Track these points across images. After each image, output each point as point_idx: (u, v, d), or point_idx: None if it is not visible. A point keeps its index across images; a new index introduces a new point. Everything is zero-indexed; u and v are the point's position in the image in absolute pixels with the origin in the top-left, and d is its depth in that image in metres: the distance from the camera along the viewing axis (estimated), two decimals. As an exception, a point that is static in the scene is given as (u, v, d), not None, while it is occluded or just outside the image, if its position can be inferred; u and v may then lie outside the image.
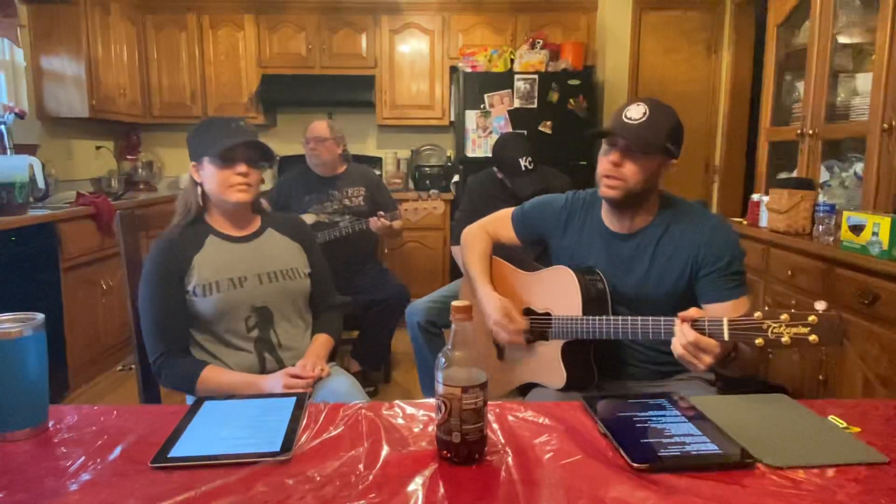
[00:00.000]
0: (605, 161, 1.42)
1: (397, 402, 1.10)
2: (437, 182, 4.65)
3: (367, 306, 2.91)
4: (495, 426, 1.00)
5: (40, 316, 0.98)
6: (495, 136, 4.14)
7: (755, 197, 2.90)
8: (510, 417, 1.04)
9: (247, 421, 1.02)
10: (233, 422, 1.02)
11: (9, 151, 3.23)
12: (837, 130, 2.65)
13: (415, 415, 1.05)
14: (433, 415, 0.94)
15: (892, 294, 1.90)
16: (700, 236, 1.43)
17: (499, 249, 1.73)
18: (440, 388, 0.88)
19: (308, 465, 0.87)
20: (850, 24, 2.61)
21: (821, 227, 2.35)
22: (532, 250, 1.75)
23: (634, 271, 1.48)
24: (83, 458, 0.90)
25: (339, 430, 0.99)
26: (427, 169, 4.75)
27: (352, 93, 4.58)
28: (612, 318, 1.40)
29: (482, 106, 4.23)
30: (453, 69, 4.57)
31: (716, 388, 1.52)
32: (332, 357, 1.69)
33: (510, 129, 4.20)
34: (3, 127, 3.21)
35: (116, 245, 1.72)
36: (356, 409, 1.06)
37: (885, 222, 1.96)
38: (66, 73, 3.77)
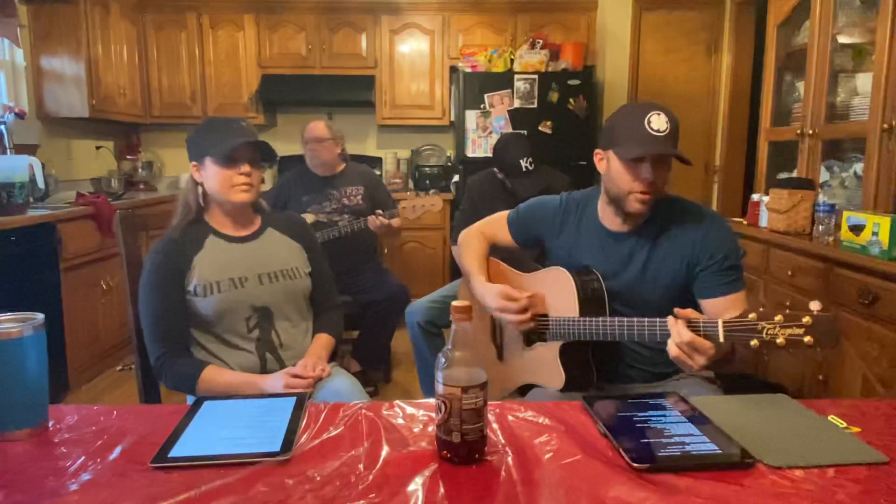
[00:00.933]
0: (637, 180, 1.37)
1: (397, 402, 1.10)
2: (437, 182, 4.65)
3: (367, 306, 2.91)
4: (495, 426, 1.00)
5: (40, 316, 0.98)
6: (495, 137, 4.14)
7: (755, 197, 2.90)
8: (510, 417, 1.04)
9: (247, 421, 1.02)
10: (233, 422, 1.02)
11: (9, 151, 3.23)
12: (837, 130, 2.65)
13: (415, 415, 1.05)
14: (433, 415, 0.94)
15: (892, 294, 1.90)
16: (696, 232, 1.44)
17: (497, 251, 1.73)
18: (440, 388, 0.88)
19: (308, 465, 0.87)
20: (850, 24, 2.61)
21: (821, 227, 2.35)
22: (531, 250, 1.75)
23: (631, 269, 1.48)
24: (83, 458, 0.90)
25: (339, 430, 0.99)
26: (427, 169, 4.75)
27: (352, 93, 4.58)
28: (608, 319, 1.40)
29: (482, 106, 4.23)
30: (453, 69, 4.57)
31: (716, 386, 1.52)
32: (333, 357, 1.69)
33: (510, 130, 4.20)
34: (3, 127, 3.21)
35: (116, 245, 1.72)
36: (356, 409, 1.06)
37: (885, 222, 1.96)
38: (66, 73, 3.77)
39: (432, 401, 0.92)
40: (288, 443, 0.93)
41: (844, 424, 1.00)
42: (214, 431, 0.98)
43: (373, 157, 4.91)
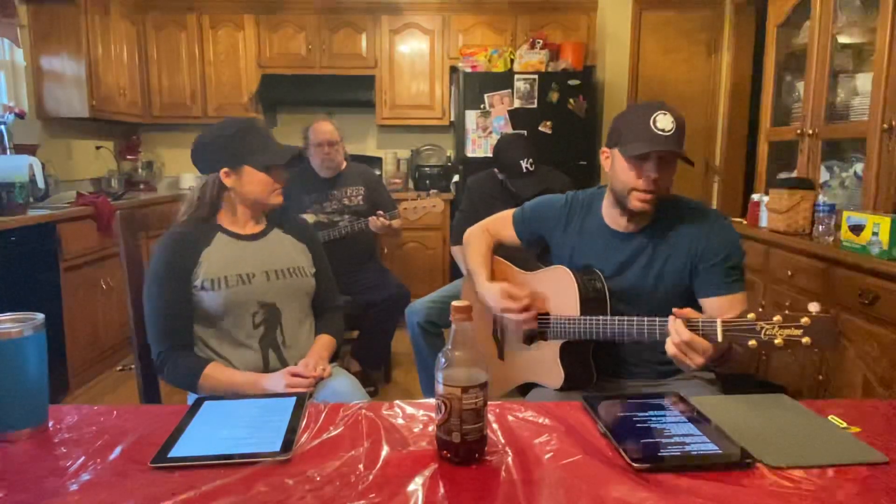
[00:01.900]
0: (640, 178, 1.37)
1: (397, 402, 1.10)
2: (437, 182, 4.65)
3: (367, 306, 2.90)
4: (495, 426, 1.00)
5: (40, 316, 0.98)
6: (495, 137, 4.15)
7: (755, 197, 2.90)
8: (510, 417, 1.04)
9: (247, 421, 1.02)
10: (233, 422, 1.02)
11: (9, 151, 3.23)
12: (837, 130, 2.65)
13: (415, 415, 1.05)
14: (433, 415, 0.94)
15: (892, 294, 1.90)
16: (699, 232, 1.45)
17: (500, 249, 1.74)
18: (440, 388, 0.88)
19: (308, 465, 0.87)
20: (850, 24, 2.61)
21: (821, 227, 2.35)
22: (533, 250, 1.76)
23: (635, 269, 1.48)
24: (83, 458, 0.90)
25: (339, 430, 0.99)
26: (427, 169, 4.75)
27: (352, 93, 4.58)
28: (608, 318, 1.40)
29: (482, 106, 4.23)
30: (453, 69, 4.57)
31: (716, 387, 1.53)
32: (334, 357, 1.69)
33: (510, 130, 4.20)
34: (3, 127, 3.21)
35: (116, 245, 1.72)
36: (356, 409, 1.06)
37: (885, 222, 1.96)
38: (66, 73, 3.77)
39: (432, 401, 0.92)
40: (288, 443, 0.93)
41: (844, 424, 1.00)
42: (214, 431, 0.98)
43: (373, 157, 4.91)
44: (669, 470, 0.85)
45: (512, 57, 4.31)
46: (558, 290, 1.49)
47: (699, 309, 1.39)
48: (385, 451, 0.92)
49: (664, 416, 1.02)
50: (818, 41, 2.69)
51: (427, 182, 4.64)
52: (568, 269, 1.49)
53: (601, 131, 4.51)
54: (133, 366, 1.66)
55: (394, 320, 2.98)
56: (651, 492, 0.80)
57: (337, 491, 0.81)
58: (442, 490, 0.81)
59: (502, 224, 1.72)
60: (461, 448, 0.88)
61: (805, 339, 1.05)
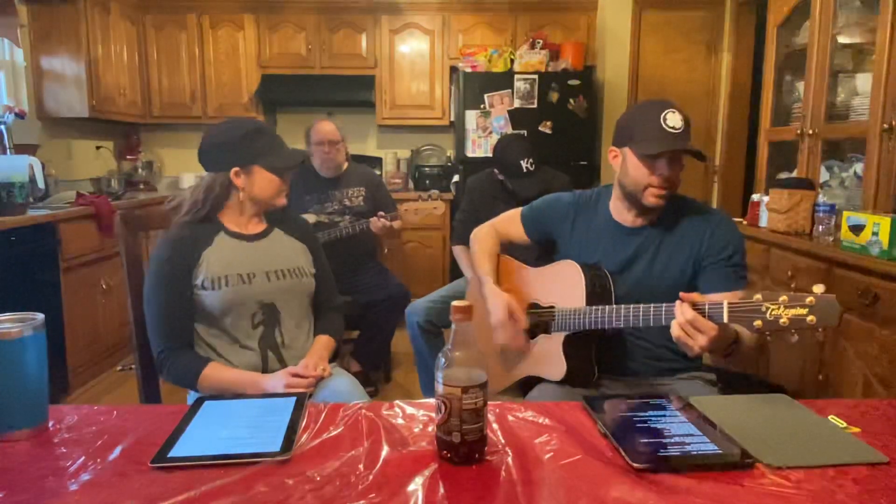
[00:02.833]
0: (653, 174, 1.40)
1: (397, 402, 1.10)
2: (437, 182, 4.65)
3: (367, 306, 2.90)
4: (495, 426, 1.00)
5: (40, 316, 0.98)
6: (495, 137, 4.15)
7: (755, 197, 2.90)
8: (510, 417, 1.04)
9: (247, 421, 1.02)
10: (233, 422, 1.02)
11: (9, 151, 3.23)
12: (837, 130, 2.65)
13: (415, 415, 1.05)
14: (433, 415, 0.94)
15: (892, 294, 1.90)
16: (704, 229, 1.47)
17: (506, 248, 1.75)
18: (440, 388, 0.88)
19: (308, 465, 0.87)
20: (850, 24, 2.60)
21: (821, 227, 2.35)
22: (535, 250, 1.76)
23: (639, 264, 1.50)
24: (83, 458, 0.90)
25: (339, 430, 0.99)
26: (427, 169, 4.75)
27: (352, 93, 4.58)
28: (613, 307, 1.41)
29: (482, 106, 4.23)
30: (453, 69, 4.57)
31: (716, 388, 1.53)
32: (333, 358, 1.69)
33: (510, 130, 4.21)
34: (3, 127, 3.21)
35: (116, 245, 1.72)
36: (356, 409, 1.06)
37: (885, 222, 1.96)
38: (66, 73, 3.77)
39: (432, 401, 0.92)
40: (288, 443, 0.93)
41: (844, 424, 1.00)
42: (214, 431, 0.98)
43: (373, 157, 4.91)
44: (669, 470, 0.85)
45: (512, 57, 4.31)
46: (565, 283, 1.51)
47: None
48: (385, 451, 0.92)
49: (664, 416, 1.02)
50: (818, 41, 2.69)
51: (427, 182, 4.64)
52: (575, 263, 1.51)
53: (601, 131, 4.51)
54: (133, 366, 1.66)
55: (394, 320, 2.98)
56: (651, 492, 0.80)
57: (337, 491, 0.81)
58: (442, 490, 0.81)
59: (511, 223, 1.74)
60: (461, 448, 0.88)
61: (810, 318, 1.06)
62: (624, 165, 1.46)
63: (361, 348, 3.05)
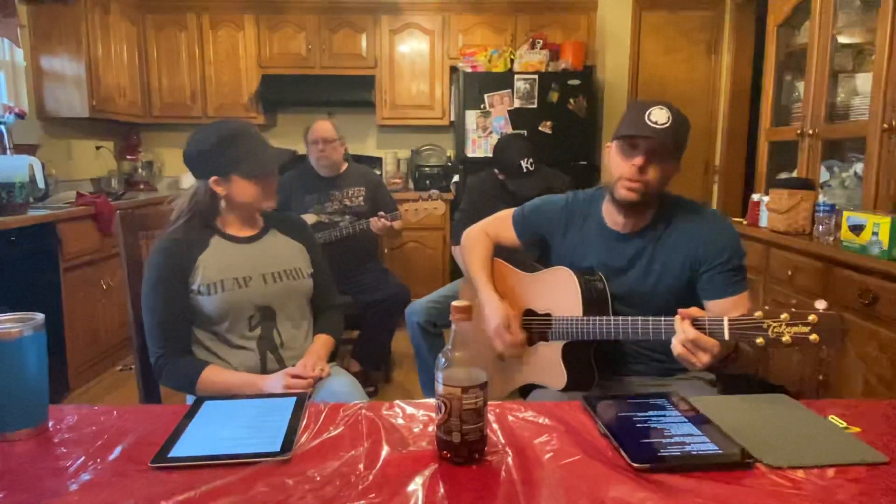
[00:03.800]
0: (626, 165, 1.38)
1: (397, 402, 1.10)
2: (437, 182, 4.65)
3: (367, 306, 2.90)
4: (495, 426, 1.00)
5: (40, 316, 0.98)
6: (495, 137, 4.15)
7: (755, 197, 2.90)
8: (510, 417, 1.04)
9: (247, 421, 1.02)
10: (233, 422, 1.02)
11: (9, 151, 3.23)
12: (837, 130, 2.65)
13: (415, 415, 1.05)
14: (433, 415, 0.94)
15: (892, 294, 1.90)
16: (700, 233, 1.44)
17: (499, 250, 1.73)
18: (440, 388, 0.88)
19: (308, 465, 0.87)
20: (850, 24, 2.61)
21: (821, 227, 2.35)
22: (532, 251, 1.75)
23: (635, 269, 1.48)
24: (83, 458, 0.90)
25: (339, 430, 0.99)
26: (427, 169, 4.75)
27: (352, 93, 4.58)
28: (612, 318, 1.40)
29: (482, 106, 4.23)
30: (453, 69, 4.57)
31: (716, 388, 1.53)
32: (333, 357, 1.69)
33: (510, 129, 4.21)
34: (3, 127, 3.21)
35: (116, 245, 1.72)
36: (356, 409, 1.06)
37: (885, 222, 1.96)
38: (66, 73, 3.77)
39: (432, 401, 0.92)
40: (288, 443, 0.93)
41: (844, 424, 1.00)
42: (214, 431, 0.98)
43: (373, 157, 4.91)
44: (669, 470, 0.85)
45: (512, 57, 4.31)
46: (559, 290, 1.49)
47: (701, 308, 1.39)
48: (385, 451, 0.92)
49: (664, 416, 1.02)
50: (818, 41, 2.69)
51: (427, 182, 4.64)
52: (570, 270, 1.49)
53: (601, 131, 4.51)
54: (133, 366, 1.66)
55: (394, 320, 2.98)
56: (651, 492, 0.80)
57: (337, 491, 0.81)
58: (442, 490, 0.81)
59: (502, 225, 1.71)
60: (461, 448, 0.88)
61: (813, 337, 1.05)
62: (608, 158, 1.47)
63: (361, 348, 3.05)
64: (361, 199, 3.03)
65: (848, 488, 0.81)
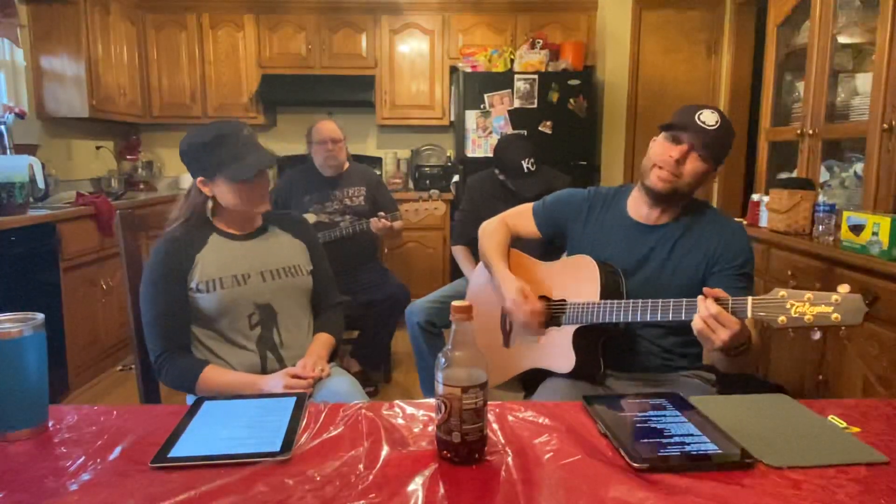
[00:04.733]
0: (665, 153, 1.43)
1: (397, 402, 1.10)
2: (437, 182, 4.65)
3: (367, 306, 2.90)
4: (495, 426, 1.00)
5: (40, 316, 0.98)
6: (495, 137, 4.15)
7: (755, 197, 2.90)
8: (510, 417, 1.04)
9: (247, 421, 1.02)
10: (233, 422, 1.02)
11: (9, 151, 3.23)
12: (837, 130, 2.65)
13: (415, 415, 1.05)
14: (433, 415, 0.94)
15: (892, 294, 1.90)
16: (720, 236, 1.49)
17: (516, 243, 1.75)
18: (440, 388, 0.88)
19: (308, 465, 0.87)
20: (850, 24, 2.60)
21: (821, 227, 2.35)
22: (538, 247, 1.77)
23: (652, 263, 1.51)
24: (83, 458, 0.90)
25: (339, 430, 0.99)
26: (427, 169, 4.75)
27: (352, 93, 4.58)
28: (628, 301, 1.41)
29: (482, 106, 4.23)
30: (453, 69, 4.57)
31: (716, 387, 1.53)
32: (333, 357, 1.69)
33: (510, 129, 4.21)
34: (3, 127, 3.21)
35: (116, 245, 1.72)
36: (356, 409, 1.06)
37: (885, 222, 1.96)
38: (66, 73, 3.77)
39: (432, 401, 0.92)
40: (288, 443, 0.93)
41: (844, 424, 1.00)
42: (214, 431, 0.98)
43: (373, 157, 4.91)
44: (669, 470, 0.85)
45: (512, 57, 4.31)
46: (579, 277, 1.51)
47: None
48: (385, 451, 0.92)
49: (664, 416, 1.02)
50: (818, 41, 2.69)
51: (427, 182, 4.64)
52: (591, 258, 1.51)
53: (601, 131, 4.51)
54: (133, 366, 1.66)
55: (394, 320, 2.98)
56: (651, 492, 0.80)
57: (337, 491, 0.81)
58: (442, 490, 0.81)
59: (522, 217, 1.74)
60: (461, 448, 0.88)
61: (835, 316, 1.07)
62: (650, 147, 1.50)
63: (361, 348, 3.05)
64: (362, 198, 3.03)
65: (848, 488, 0.81)
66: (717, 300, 1.19)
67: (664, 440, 0.93)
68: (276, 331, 1.58)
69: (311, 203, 2.98)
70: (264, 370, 1.55)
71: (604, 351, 1.53)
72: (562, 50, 4.35)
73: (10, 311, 0.98)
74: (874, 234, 2.00)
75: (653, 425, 0.98)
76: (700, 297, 1.21)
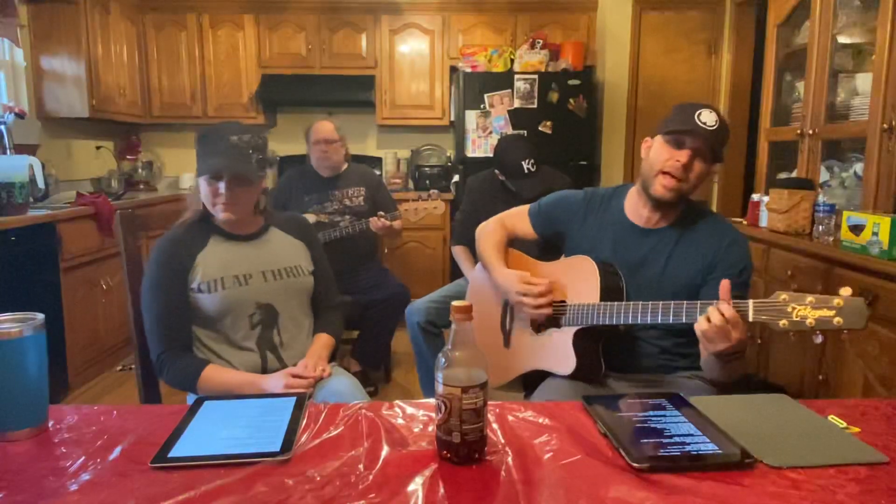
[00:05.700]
0: (672, 159, 1.41)
1: (397, 402, 1.10)
2: (437, 182, 4.65)
3: (367, 306, 2.91)
4: (495, 426, 1.00)
5: (40, 316, 0.98)
6: (495, 137, 4.15)
7: (755, 197, 2.90)
8: (510, 417, 1.04)
9: (247, 421, 1.02)
10: (233, 422, 1.02)
11: (9, 151, 3.23)
12: (837, 130, 2.65)
13: (415, 415, 1.05)
14: (433, 415, 0.94)
15: (892, 294, 1.90)
16: (720, 242, 1.48)
17: (513, 244, 1.75)
18: (440, 388, 0.88)
19: (308, 465, 0.87)
20: (850, 24, 2.60)
21: (821, 227, 2.35)
22: (536, 248, 1.76)
23: (650, 266, 1.50)
24: (83, 458, 0.90)
25: (339, 430, 0.99)
26: (427, 169, 4.75)
27: (352, 93, 4.58)
28: (629, 303, 1.41)
29: (482, 106, 4.23)
30: (453, 69, 4.57)
31: (716, 387, 1.53)
32: (333, 357, 1.69)
33: (510, 130, 4.21)
34: (3, 127, 3.21)
35: (116, 245, 1.72)
36: (356, 409, 1.06)
37: (885, 222, 1.96)
38: (66, 73, 3.77)
39: (432, 401, 0.92)
40: (288, 443, 0.93)
41: (844, 424, 1.00)
42: (214, 431, 0.98)
43: (373, 157, 4.91)
44: (669, 470, 0.85)
45: (512, 57, 4.31)
46: (578, 278, 1.51)
47: None
48: (385, 451, 0.92)
49: (664, 416, 1.02)
50: (818, 41, 2.69)
51: (427, 182, 4.64)
52: (591, 259, 1.51)
53: (601, 131, 4.51)
54: (133, 366, 1.66)
55: (394, 320, 2.98)
56: (651, 492, 0.80)
57: (337, 491, 0.81)
58: (442, 490, 0.81)
59: (518, 218, 1.74)
60: (461, 448, 0.88)
61: (837, 320, 1.07)
62: (649, 153, 1.48)
63: (361, 348, 3.05)
64: (361, 199, 3.03)
65: (848, 488, 0.81)
66: (717, 303, 1.19)
67: (664, 440, 0.93)
68: (276, 331, 1.58)
69: (311, 203, 2.98)
70: (265, 370, 1.55)
71: (604, 352, 1.52)
72: (562, 50, 4.35)
73: (10, 311, 0.98)
74: (874, 234, 2.00)
75: (653, 425, 0.98)
76: (711, 306, 1.21)
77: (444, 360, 0.88)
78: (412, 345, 2.65)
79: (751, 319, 1.17)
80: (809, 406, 1.07)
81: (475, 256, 1.82)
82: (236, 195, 1.50)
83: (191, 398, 1.52)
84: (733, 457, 0.88)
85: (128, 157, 4.74)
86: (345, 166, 3.08)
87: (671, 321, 1.33)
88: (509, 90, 4.21)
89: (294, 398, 1.11)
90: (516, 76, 4.21)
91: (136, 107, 4.48)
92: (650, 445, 0.91)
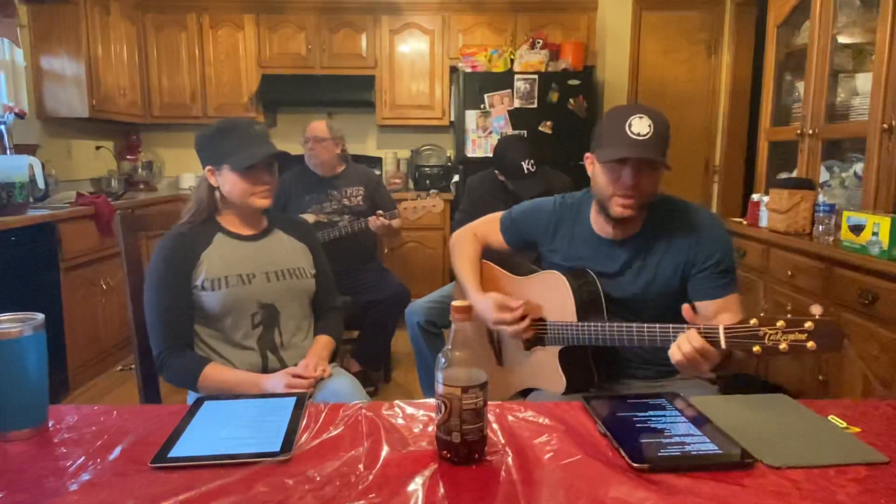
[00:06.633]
0: (617, 184, 1.35)
1: (397, 402, 1.10)
2: (437, 182, 4.65)
3: (367, 306, 2.91)
4: (495, 426, 1.00)
5: (40, 316, 0.98)
6: (495, 137, 4.15)
7: (755, 197, 2.90)
8: (510, 417, 1.04)
9: (247, 421, 1.02)
10: (233, 422, 1.02)
11: (9, 151, 3.23)
12: (837, 130, 2.65)
13: (415, 415, 1.05)
14: (433, 415, 0.94)
15: (892, 294, 1.90)
16: (691, 237, 1.44)
17: (490, 253, 1.71)
18: (440, 388, 0.88)
19: (308, 465, 0.87)
20: (850, 24, 2.61)
21: (821, 227, 2.35)
22: (528, 254, 1.74)
23: (626, 276, 1.47)
24: (83, 458, 0.90)
25: (339, 430, 0.99)
26: (427, 169, 4.75)
27: (352, 93, 4.58)
28: (607, 325, 1.38)
29: (482, 106, 4.23)
30: (453, 69, 4.57)
31: (716, 387, 1.52)
32: (333, 357, 1.69)
33: (510, 130, 4.21)
34: (3, 127, 3.21)
35: (116, 245, 1.72)
36: (356, 409, 1.06)
37: (885, 222, 1.96)
38: (66, 73, 3.77)
39: (432, 401, 0.92)
40: (288, 443, 0.93)
41: (844, 424, 1.00)
42: (214, 431, 0.98)
43: (373, 157, 4.91)
44: (669, 470, 0.85)
45: (512, 57, 4.31)
46: (552, 295, 1.48)
47: (693, 308, 1.39)
48: (385, 451, 0.92)
49: (664, 416, 1.02)
50: (818, 41, 2.69)
51: (427, 182, 4.64)
52: (560, 274, 1.47)
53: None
54: (133, 366, 1.66)
55: (394, 320, 2.98)
56: (651, 492, 0.80)
57: (337, 491, 0.81)
58: (442, 490, 0.81)
59: (490, 228, 1.69)
60: (461, 448, 0.88)
61: (810, 344, 1.03)
62: (594, 173, 1.43)
63: (361, 348, 3.05)
64: (360, 198, 3.03)
65: (848, 488, 0.81)
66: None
67: (664, 440, 0.93)
68: (277, 331, 1.58)
69: (310, 203, 2.98)
70: (265, 370, 1.55)
71: (595, 361, 1.50)
72: (562, 50, 4.35)
73: (10, 311, 0.98)
74: (874, 234, 2.00)
75: (653, 425, 0.98)
76: (685, 329, 1.18)
77: (444, 360, 0.89)
78: (412, 345, 2.65)
79: (723, 346, 1.13)
80: (809, 406, 1.07)
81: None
82: (270, 182, 1.59)
83: (191, 398, 1.52)
84: (733, 457, 0.88)
85: (128, 157, 4.74)
86: (342, 166, 3.08)
87: (658, 345, 1.31)
88: (509, 90, 4.21)
89: (294, 398, 1.11)
90: (516, 76, 4.21)
91: (136, 107, 4.48)
92: (650, 445, 0.91)
